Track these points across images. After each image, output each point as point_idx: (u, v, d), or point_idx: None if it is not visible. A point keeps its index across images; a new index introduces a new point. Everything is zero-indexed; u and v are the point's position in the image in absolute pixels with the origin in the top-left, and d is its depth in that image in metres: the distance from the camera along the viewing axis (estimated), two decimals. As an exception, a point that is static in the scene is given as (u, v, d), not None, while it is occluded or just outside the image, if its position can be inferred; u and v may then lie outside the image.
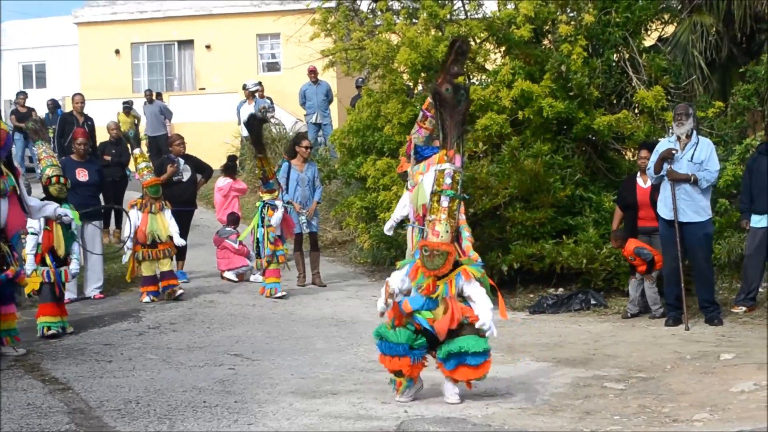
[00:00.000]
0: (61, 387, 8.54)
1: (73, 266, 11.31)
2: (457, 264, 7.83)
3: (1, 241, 9.59)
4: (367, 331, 10.89)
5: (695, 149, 11.07)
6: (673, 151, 11.07)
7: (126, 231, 13.17)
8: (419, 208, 12.11)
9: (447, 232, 7.73)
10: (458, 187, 7.90)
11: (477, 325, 7.62)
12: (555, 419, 7.37)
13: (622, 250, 11.98)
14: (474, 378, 7.76)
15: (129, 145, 14.31)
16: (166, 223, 13.19)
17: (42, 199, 11.25)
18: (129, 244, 13.01)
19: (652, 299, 11.77)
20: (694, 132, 11.27)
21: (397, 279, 7.96)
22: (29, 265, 10.84)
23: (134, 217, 12.98)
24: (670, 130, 13.65)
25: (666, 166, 11.09)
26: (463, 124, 8.17)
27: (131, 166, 15.30)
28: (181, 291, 13.24)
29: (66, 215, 10.60)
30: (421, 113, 11.96)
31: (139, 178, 13.34)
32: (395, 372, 7.83)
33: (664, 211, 11.22)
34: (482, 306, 7.70)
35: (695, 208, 11.05)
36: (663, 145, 11.36)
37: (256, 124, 13.89)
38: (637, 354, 9.68)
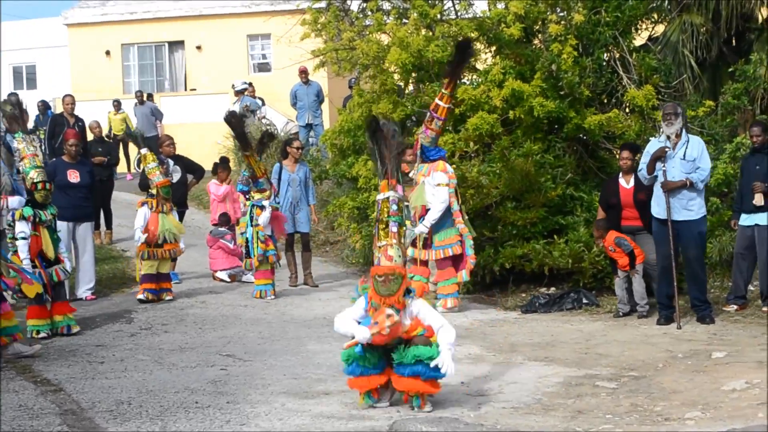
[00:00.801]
0: (53, 388, 8.53)
1: (67, 265, 11.34)
2: (407, 291, 7.72)
3: None
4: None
5: (686, 147, 11.07)
6: (666, 149, 11.06)
7: (136, 223, 13.13)
8: (418, 209, 12.22)
9: (399, 256, 7.74)
10: (402, 214, 8.01)
11: (435, 363, 7.44)
12: (547, 418, 7.38)
13: (603, 240, 11.97)
14: (427, 392, 7.58)
15: (137, 145, 14.28)
16: (176, 223, 13.25)
17: (26, 204, 11.13)
18: (138, 235, 12.99)
19: (639, 294, 11.74)
20: (684, 130, 11.27)
21: (360, 331, 7.61)
22: (27, 269, 10.77)
23: (143, 215, 13.01)
24: (661, 130, 13.68)
25: (659, 166, 11.07)
26: (400, 156, 8.39)
27: (125, 166, 15.33)
28: (169, 298, 13.23)
29: None
30: (428, 114, 12.06)
31: (151, 178, 13.28)
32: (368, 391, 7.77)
33: (657, 209, 11.21)
34: (441, 334, 7.54)
35: (688, 206, 11.05)
36: (653, 145, 11.33)
37: (235, 120, 13.78)
38: (629, 353, 9.70)
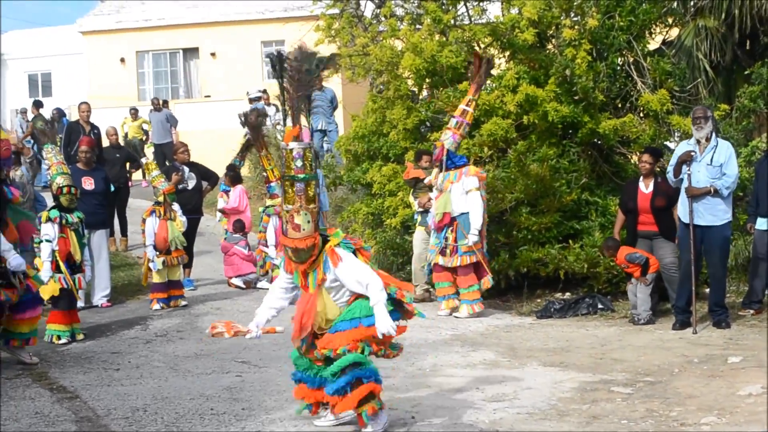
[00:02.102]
0: (69, 395, 8.56)
1: (87, 273, 11.49)
2: (324, 239, 6.98)
3: None
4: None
5: (714, 152, 10.94)
6: (692, 153, 10.97)
7: (147, 240, 13.18)
8: (438, 216, 12.26)
9: (308, 222, 6.78)
10: (311, 165, 6.90)
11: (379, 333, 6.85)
12: (562, 424, 7.37)
13: (615, 259, 11.95)
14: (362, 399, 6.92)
15: (137, 156, 14.45)
16: (182, 227, 13.26)
17: (52, 208, 11.34)
18: (152, 252, 13.03)
19: (641, 300, 11.68)
20: (714, 135, 11.14)
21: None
22: (45, 272, 10.91)
23: (152, 225, 13.06)
24: (676, 134, 13.64)
25: (684, 169, 10.98)
26: (308, 95, 7.10)
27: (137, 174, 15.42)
28: (184, 303, 13.28)
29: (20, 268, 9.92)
30: (455, 120, 12.15)
31: (157, 186, 13.34)
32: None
33: (683, 212, 11.10)
34: (372, 297, 6.92)
35: (714, 211, 10.93)
36: (682, 148, 11.21)
37: (251, 118, 13.64)
38: (644, 358, 9.67)
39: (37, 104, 26.14)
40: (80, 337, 11.26)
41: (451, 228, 12.25)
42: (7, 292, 9.60)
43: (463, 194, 12.14)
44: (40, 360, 10.09)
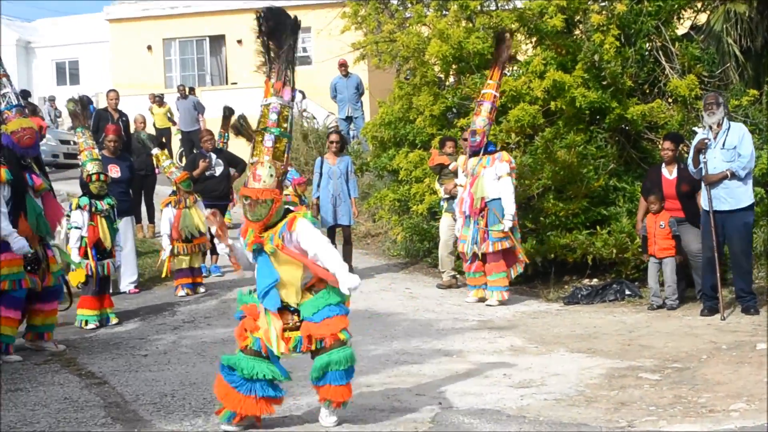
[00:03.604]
0: (98, 381, 8.60)
1: (118, 258, 11.66)
2: (287, 212, 6.77)
3: (36, 241, 9.66)
4: (401, 324, 10.93)
5: (726, 136, 10.89)
6: (706, 140, 10.91)
7: (162, 230, 13.26)
8: (477, 201, 12.22)
9: (271, 176, 6.57)
10: (286, 125, 6.73)
11: (342, 289, 6.75)
12: (590, 410, 7.34)
13: (654, 214, 11.76)
14: (339, 400, 6.87)
15: (147, 148, 14.53)
16: (202, 217, 13.28)
17: (82, 195, 11.38)
18: (166, 242, 13.11)
19: (671, 289, 11.64)
20: (725, 119, 11.10)
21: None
22: (74, 257, 10.99)
23: (168, 219, 13.11)
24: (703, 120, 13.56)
25: (701, 158, 10.92)
26: (293, 52, 7.04)
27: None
28: (202, 290, 13.32)
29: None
30: (489, 105, 12.15)
31: (169, 176, 13.42)
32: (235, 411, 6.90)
33: (703, 201, 11.06)
34: (331, 262, 6.71)
35: (733, 194, 10.87)
36: (698, 138, 11.19)
37: (227, 117, 13.49)
38: (672, 344, 9.62)
39: (25, 94, 25.58)
40: (114, 321, 11.35)
41: (482, 214, 12.21)
42: (34, 278, 9.63)
43: (495, 179, 12.11)
44: (70, 346, 10.15)
